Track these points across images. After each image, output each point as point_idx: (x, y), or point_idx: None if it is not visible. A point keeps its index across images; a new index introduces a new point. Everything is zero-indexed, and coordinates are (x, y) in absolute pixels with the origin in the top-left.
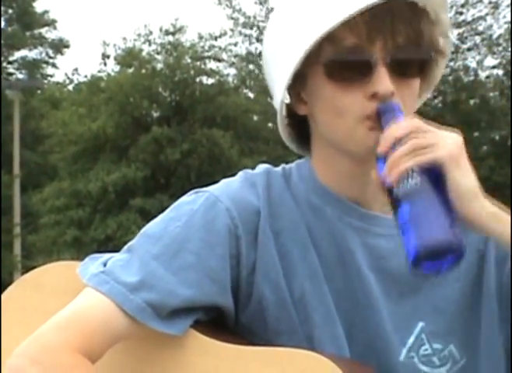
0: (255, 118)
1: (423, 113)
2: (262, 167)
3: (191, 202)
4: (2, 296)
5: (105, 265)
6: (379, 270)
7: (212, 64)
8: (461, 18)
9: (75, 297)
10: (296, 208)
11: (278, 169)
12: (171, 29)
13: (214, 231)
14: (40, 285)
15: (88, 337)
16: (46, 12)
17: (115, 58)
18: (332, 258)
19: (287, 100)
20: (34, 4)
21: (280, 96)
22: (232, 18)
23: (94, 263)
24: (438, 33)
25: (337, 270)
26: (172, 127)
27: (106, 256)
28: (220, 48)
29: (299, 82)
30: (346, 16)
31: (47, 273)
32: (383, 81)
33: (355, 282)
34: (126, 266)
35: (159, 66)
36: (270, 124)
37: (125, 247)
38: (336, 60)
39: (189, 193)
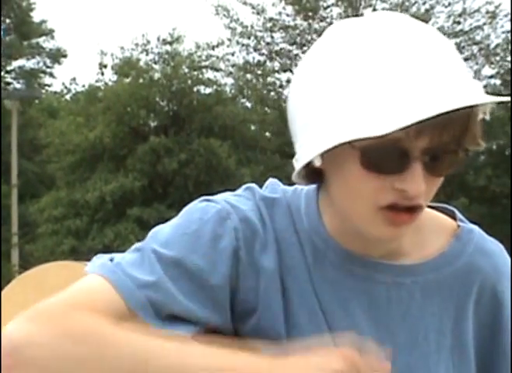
0: (253, 128)
1: None
2: (270, 189)
3: (201, 210)
4: (3, 292)
5: (112, 260)
6: (376, 320)
7: (209, 74)
8: (459, 27)
9: None
10: (299, 246)
11: (288, 192)
12: (169, 39)
13: (219, 248)
14: (40, 283)
15: (95, 302)
16: (43, 21)
17: (112, 68)
18: (331, 303)
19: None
20: (32, 13)
21: (302, 161)
22: (229, 27)
23: (100, 259)
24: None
25: (336, 314)
26: (169, 136)
27: (114, 254)
28: (218, 58)
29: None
30: (397, 128)
31: (47, 271)
32: (415, 181)
33: (351, 330)
34: (133, 262)
35: (157, 75)
36: (267, 134)
37: (133, 247)
38: (370, 148)
39: (200, 200)
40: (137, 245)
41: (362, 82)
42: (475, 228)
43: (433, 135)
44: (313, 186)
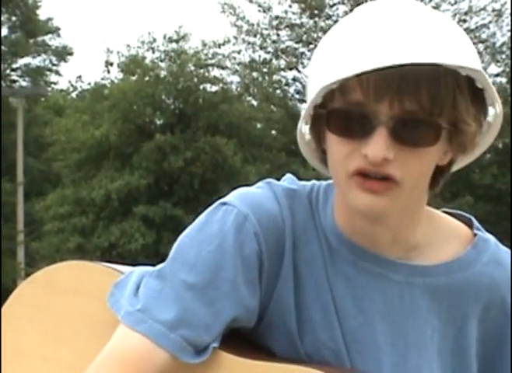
0: (258, 126)
1: None
2: (289, 182)
3: (220, 221)
4: (14, 293)
5: (136, 292)
6: (390, 318)
7: (215, 72)
8: (465, 26)
9: (85, 296)
10: (317, 241)
11: (307, 186)
12: (175, 37)
13: (245, 256)
14: (52, 283)
15: None
16: (49, 19)
17: (119, 66)
18: (344, 300)
19: (307, 135)
20: (38, 11)
21: (298, 125)
22: (235, 25)
23: (124, 294)
24: (472, 102)
25: (349, 311)
26: (175, 134)
27: (133, 277)
28: (224, 56)
29: (322, 118)
30: (355, 72)
31: (59, 271)
32: (376, 145)
33: (363, 329)
34: (160, 298)
35: (163, 73)
36: (273, 132)
37: (156, 271)
38: (335, 111)
39: (216, 206)
40: (161, 269)
41: (336, 49)
42: (491, 237)
43: (391, 99)
44: (331, 182)
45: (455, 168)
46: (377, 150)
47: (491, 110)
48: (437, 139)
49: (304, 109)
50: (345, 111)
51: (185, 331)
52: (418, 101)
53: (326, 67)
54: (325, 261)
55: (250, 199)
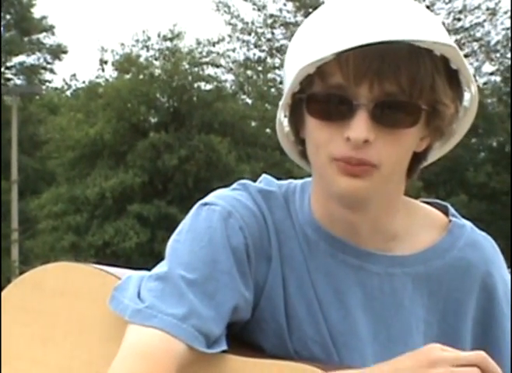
0: (253, 124)
1: None
2: (265, 182)
3: (206, 219)
4: (2, 295)
5: (138, 295)
6: (371, 310)
7: (209, 70)
8: (459, 24)
9: (74, 298)
10: (295, 238)
11: (283, 186)
12: (169, 35)
13: (234, 248)
14: (40, 285)
15: (154, 369)
16: (44, 17)
17: (113, 64)
18: (326, 293)
19: (286, 126)
20: (32, 9)
21: (277, 115)
22: (230, 24)
23: (126, 296)
24: (449, 84)
25: (331, 305)
26: (170, 132)
27: (133, 281)
28: (218, 54)
29: (300, 106)
30: (335, 51)
31: (46, 273)
32: (357, 127)
33: (345, 321)
34: (163, 296)
35: (157, 72)
36: (268, 130)
37: (153, 274)
38: (315, 95)
39: (197, 207)
40: (158, 271)
41: (313, 33)
42: (467, 223)
43: (371, 81)
44: (308, 180)
45: (432, 158)
46: (359, 132)
47: (466, 95)
48: (417, 121)
49: (284, 94)
50: (325, 95)
51: (195, 321)
52: (397, 83)
53: (304, 51)
54: (305, 257)
55: (229, 198)
